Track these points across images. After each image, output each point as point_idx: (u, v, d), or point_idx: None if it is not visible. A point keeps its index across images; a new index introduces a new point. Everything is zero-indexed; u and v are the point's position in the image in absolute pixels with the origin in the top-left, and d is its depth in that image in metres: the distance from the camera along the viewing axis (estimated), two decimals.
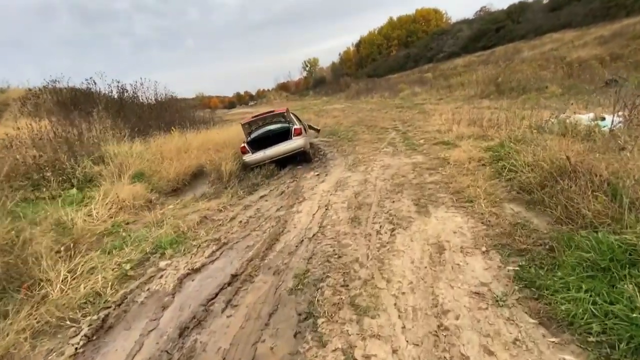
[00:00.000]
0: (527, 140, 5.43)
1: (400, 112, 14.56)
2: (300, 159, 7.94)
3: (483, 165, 5.05)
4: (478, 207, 3.69)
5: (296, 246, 3.52)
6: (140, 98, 14.96)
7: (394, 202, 4.30)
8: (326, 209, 4.44)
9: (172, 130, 11.30)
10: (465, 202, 3.88)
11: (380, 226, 3.66)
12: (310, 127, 11.07)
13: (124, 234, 4.29)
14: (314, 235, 3.69)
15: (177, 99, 17.07)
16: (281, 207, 4.87)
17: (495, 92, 14.88)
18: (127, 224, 4.61)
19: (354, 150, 8.11)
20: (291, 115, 8.41)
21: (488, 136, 6.59)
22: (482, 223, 3.37)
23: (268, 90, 72.60)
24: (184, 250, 3.70)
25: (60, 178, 7.19)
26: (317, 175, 6.54)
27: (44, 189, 7.00)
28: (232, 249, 3.70)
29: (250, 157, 7.41)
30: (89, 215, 5.16)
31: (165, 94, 17.01)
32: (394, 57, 56.23)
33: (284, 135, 7.79)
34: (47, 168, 7.28)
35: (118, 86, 14.21)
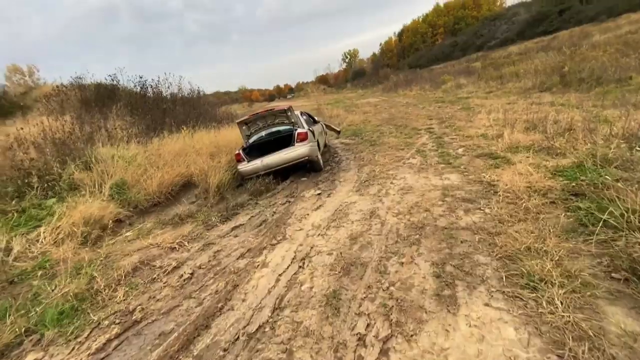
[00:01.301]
0: (626, 162, 3.48)
1: (439, 107, 12.44)
2: (309, 167, 6.49)
3: (552, 203, 3.22)
4: (548, 304, 2.00)
5: (224, 350, 2.11)
6: (163, 94, 14.37)
7: (402, 264, 2.71)
8: (301, 266, 2.96)
9: (183, 128, 10.38)
10: (523, 288, 2.19)
11: (369, 325, 2.11)
12: (329, 128, 9.52)
13: (33, 282, 3.18)
14: (259, 327, 2.25)
15: (200, 95, 16.29)
16: (249, 250, 3.47)
17: (559, 84, 12.15)
18: (52, 266, 3.50)
19: (372, 159, 6.46)
20: (297, 114, 6.94)
21: (556, 149, 4.62)
22: (557, 347, 1.71)
23: (306, 83, 71.43)
24: (72, 332, 2.47)
25: (46, 184, 6.43)
26: (318, 194, 5.05)
27: (26, 197, 6.30)
28: (139, 335, 2.39)
29: (245, 167, 6.10)
30: (29, 245, 4.18)
31: (191, 90, 16.37)
32: (439, 46, 52.05)
33: (287, 140, 6.37)
34: (33, 173, 6.56)
35: (140, 82, 13.68)
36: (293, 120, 6.57)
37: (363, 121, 12.37)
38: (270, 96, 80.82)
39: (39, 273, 3.34)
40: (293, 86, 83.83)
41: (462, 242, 2.88)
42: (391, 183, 4.82)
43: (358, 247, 3.11)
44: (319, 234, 3.54)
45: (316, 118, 8.83)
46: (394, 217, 3.62)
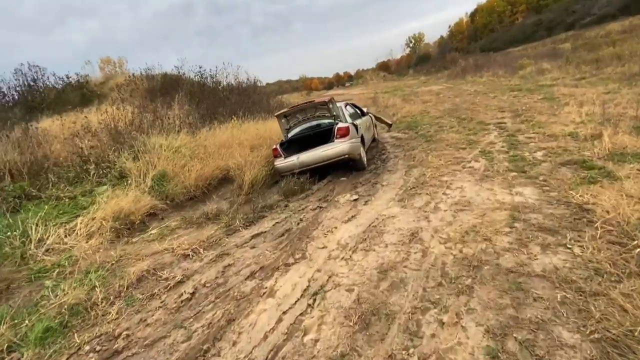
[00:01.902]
0: None
1: (514, 97, 10.64)
2: (350, 165, 5.80)
3: None
4: None
5: None
6: (221, 83, 14.61)
7: (443, 324, 1.95)
8: (311, 304, 2.36)
9: (233, 118, 10.32)
10: None
11: None
12: (380, 120, 8.62)
13: (46, 283, 3.08)
14: None
15: (256, 85, 16.30)
16: (261, 268, 2.97)
17: None
18: (72, 264, 3.40)
19: (424, 160, 5.52)
20: (341, 105, 6.21)
21: None
22: None
23: (365, 70, 69.16)
24: (50, 356, 2.21)
25: (102, 172, 6.74)
26: (355, 200, 4.36)
27: (84, 183, 6.67)
28: None
29: (281, 163, 5.64)
30: (66, 235, 4.22)
31: (247, 79, 16.47)
32: (518, 25, 46.04)
33: (327, 135, 5.73)
34: (91, 160, 6.93)
35: (200, 72, 14.06)
36: (335, 114, 5.88)
37: (421, 112, 11.14)
38: (329, 84, 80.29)
39: (56, 272, 3.25)
40: (352, 73, 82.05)
41: (535, 299, 2.01)
42: (443, 194, 3.92)
43: (387, 285, 2.40)
44: (342, 258, 2.89)
45: (365, 109, 8.02)
46: (440, 245, 2.81)
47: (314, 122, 6.25)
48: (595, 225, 2.61)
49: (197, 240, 3.70)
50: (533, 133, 5.82)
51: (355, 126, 5.77)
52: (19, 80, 12.65)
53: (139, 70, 14.92)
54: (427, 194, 4.04)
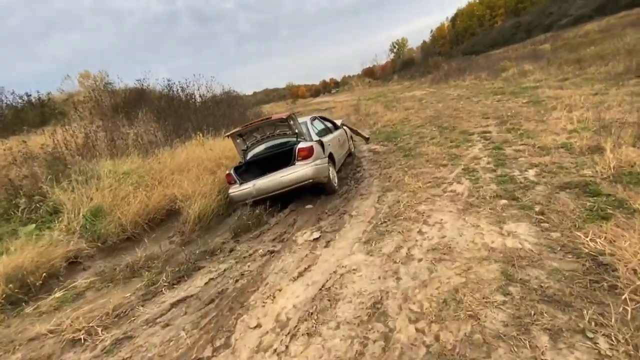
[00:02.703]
0: None
1: (498, 101, 10.03)
2: (319, 188, 4.98)
3: None
4: None
5: None
6: (194, 97, 13.71)
7: None
8: None
9: (198, 135, 9.44)
10: None
11: None
12: (356, 133, 7.88)
13: None
14: None
15: (230, 96, 15.46)
16: None
17: None
18: None
19: (401, 180, 4.74)
20: (306, 121, 5.42)
21: None
22: None
23: (351, 76, 69.04)
24: None
25: (34, 206, 5.79)
26: (315, 240, 3.54)
27: (12, 220, 5.72)
28: None
29: (235, 191, 4.78)
30: None
31: (222, 91, 15.62)
32: (498, 28, 46.41)
33: (288, 156, 4.92)
34: (21, 193, 5.97)
35: (168, 85, 13.16)
36: (297, 131, 5.06)
37: (402, 120, 10.44)
38: (316, 91, 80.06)
39: None
40: (339, 80, 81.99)
41: None
42: (419, 232, 3.13)
43: None
44: (275, 350, 2.05)
45: (340, 122, 7.25)
46: (410, 326, 2.00)
47: (278, 141, 5.43)
48: (621, 294, 1.84)
49: (101, 312, 2.81)
50: (521, 145, 5.11)
51: (322, 144, 4.97)
52: None
53: (113, 83, 13.92)
54: (399, 232, 3.24)
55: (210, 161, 7.16)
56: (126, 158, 7.07)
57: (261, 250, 3.56)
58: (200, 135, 9.28)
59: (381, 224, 3.54)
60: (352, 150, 7.42)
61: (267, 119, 5.06)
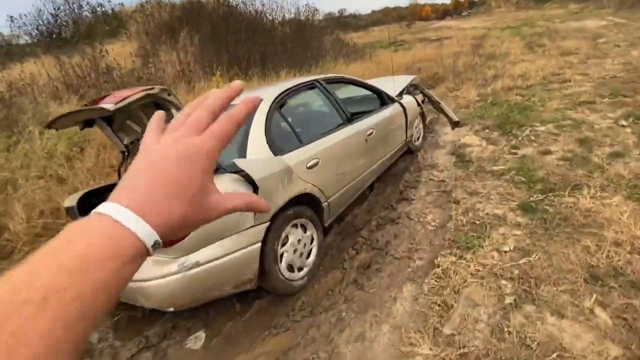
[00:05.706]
0: None
1: None
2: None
3: None
4: None
5: None
6: (266, 18, 10.64)
7: None
8: None
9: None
10: None
11: None
12: (439, 109, 3.96)
13: None
14: None
15: (312, 22, 11.71)
16: None
17: None
18: None
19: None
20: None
21: None
22: None
23: None
24: None
25: None
26: None
27: None
28: None
29: None
30: None
31: (301, 12, 11.89)
32: None
33: None
34: None
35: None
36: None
37: (549, 78, 5.60)
38: (444, 12, 65.22)
39: None
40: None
41: None
42: None
43: None
44: None
45: (399, 87, 3.50)
46: None
47: None
48: None
49: None
50: None
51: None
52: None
53: None
54: None
55: None
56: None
57: None
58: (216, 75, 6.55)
59: None
60: (417, 139, 3.75)
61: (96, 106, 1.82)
